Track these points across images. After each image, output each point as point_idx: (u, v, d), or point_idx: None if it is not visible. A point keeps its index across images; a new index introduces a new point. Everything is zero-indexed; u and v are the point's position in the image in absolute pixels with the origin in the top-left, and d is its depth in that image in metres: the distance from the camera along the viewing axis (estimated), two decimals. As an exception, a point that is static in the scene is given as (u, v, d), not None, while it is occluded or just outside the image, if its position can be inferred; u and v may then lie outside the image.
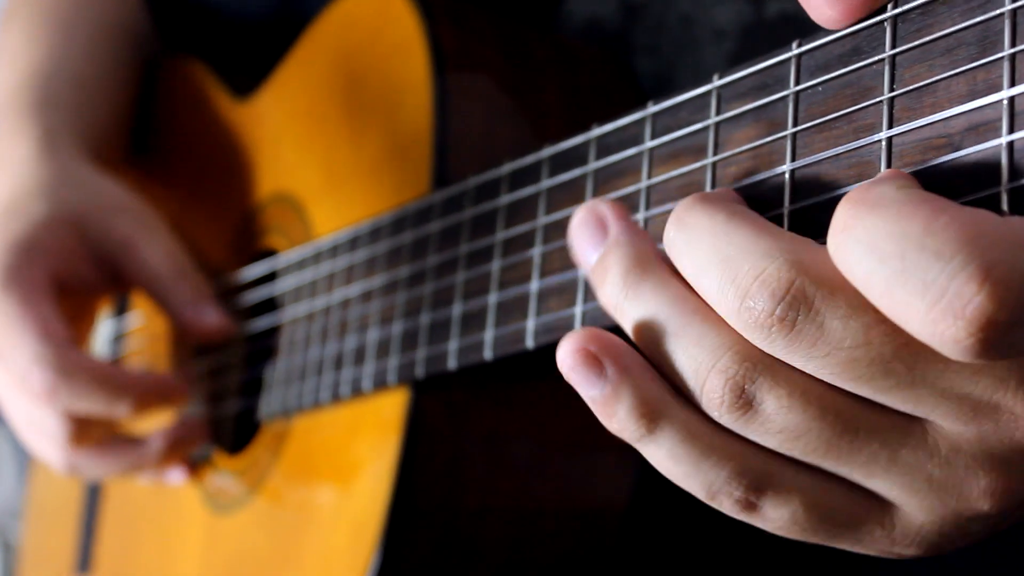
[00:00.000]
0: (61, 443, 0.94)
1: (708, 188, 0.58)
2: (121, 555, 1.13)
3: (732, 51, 0.85)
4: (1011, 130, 0.45)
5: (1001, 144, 0.46)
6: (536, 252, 0.68)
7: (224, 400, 1.03)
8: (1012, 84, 0.46)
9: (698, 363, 0.51)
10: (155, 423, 1.04)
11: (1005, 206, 0.49)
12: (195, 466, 1.03)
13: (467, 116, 0.82)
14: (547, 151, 0.69)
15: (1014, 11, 0.46)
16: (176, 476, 1.03)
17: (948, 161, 0.48)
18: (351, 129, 0.92)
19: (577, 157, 0.66)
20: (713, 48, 0.86)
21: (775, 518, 0.53)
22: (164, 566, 1.06)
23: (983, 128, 0.46)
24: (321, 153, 0.95)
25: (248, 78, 1.09)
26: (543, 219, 0.68)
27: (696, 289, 0.52)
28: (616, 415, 0.53)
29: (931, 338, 0.43)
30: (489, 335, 0.69)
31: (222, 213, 1.07)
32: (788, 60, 0.55)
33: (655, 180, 0.61)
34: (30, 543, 1.31)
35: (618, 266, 0.55)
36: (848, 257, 0.45)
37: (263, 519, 0.94)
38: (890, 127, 0.50)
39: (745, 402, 0.51)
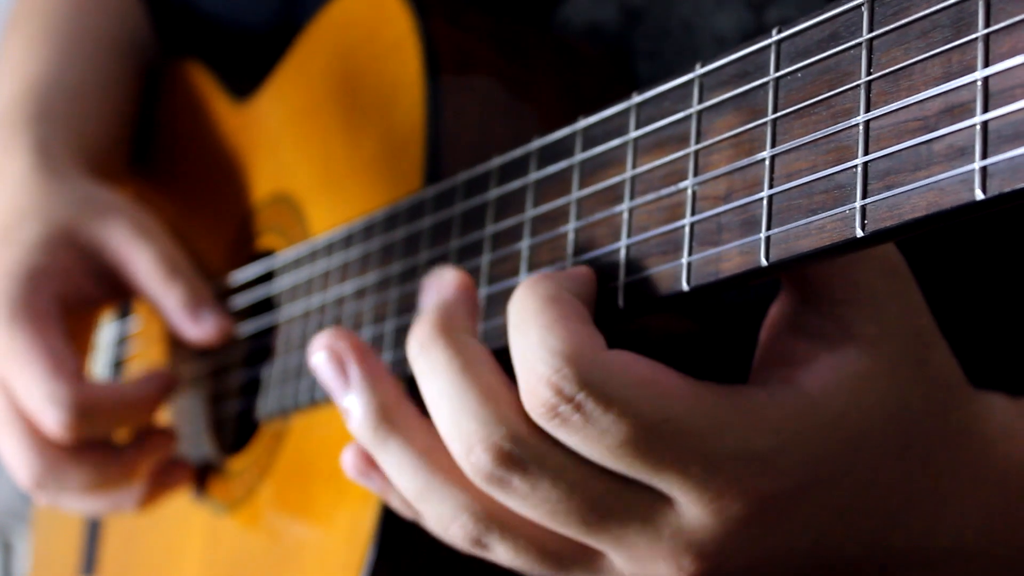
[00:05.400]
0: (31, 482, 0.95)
1: (691, 176, 0.58)
2: (124, 556, 1.14)
3: None
4: (985, 110, 0.45)
5: (975, 125, 0.45)
6: (524, 245, 0.68)
7: (225, 400, 1.03)
8: (986, 65, 0.45)
9: (442, 518, 0.62)
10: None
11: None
12: (196, 467, 1.03)
13: (461, 115, 0.82)
14: (535, 144, 0.68)
15: (988, -8, 0.46)
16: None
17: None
18: (347, 129, 0.92)
19: (564, 149, 0.66)
20: (714, 54, 0.85)
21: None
22: (166, 567, 1.06)
23: (958, 110, 0.46)
24: (318, 153, 0.95)
25: (248, 85, 1.09)
26: (531, 212, 0.67)
27: (432, 415, 0.61)
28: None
29: None
30: (479, 328, 0.69)
31: (221, 215, 1.08)
32: (768, 47, 0.55)
33: (640, 170, 0.61)
34: (38, 545, 1.32)
35: (364, 419, 0.63)
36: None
37: (262, 519, 0.94)
38: (867, 111, 0.50)
39: (481, 547, 0.62)
